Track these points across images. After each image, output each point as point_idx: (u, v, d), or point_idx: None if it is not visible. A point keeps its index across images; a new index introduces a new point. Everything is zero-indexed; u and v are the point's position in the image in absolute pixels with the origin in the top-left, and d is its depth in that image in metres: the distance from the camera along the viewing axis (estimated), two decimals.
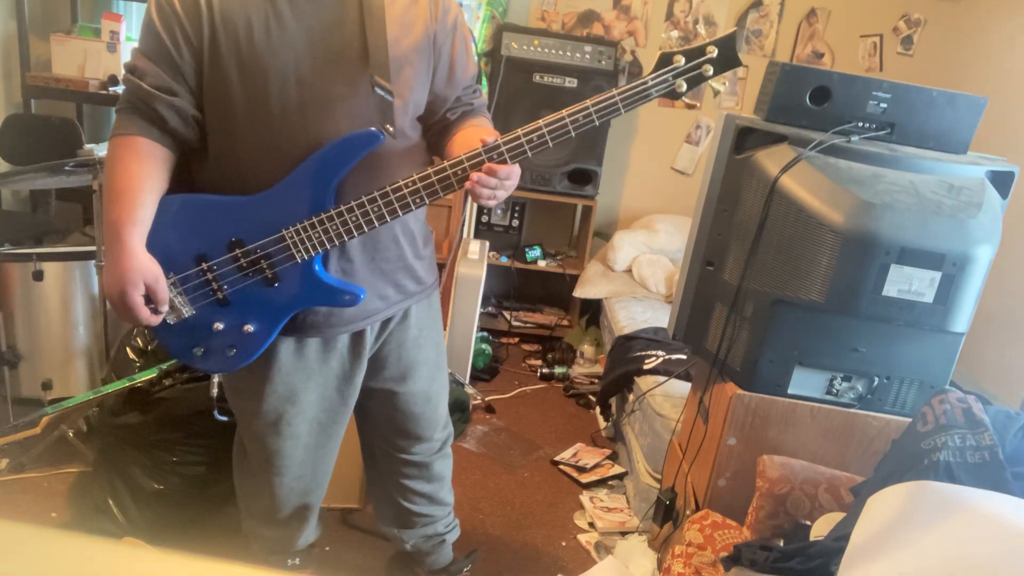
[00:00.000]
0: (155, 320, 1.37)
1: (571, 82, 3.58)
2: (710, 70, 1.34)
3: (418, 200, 1.36)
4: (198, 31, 1.32)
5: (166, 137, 1.37)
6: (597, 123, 1.35)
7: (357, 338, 1.56)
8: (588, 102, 1.33)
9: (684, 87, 1.34)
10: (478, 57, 3.51)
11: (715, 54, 1.33)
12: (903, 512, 1.31)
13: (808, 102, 1.79)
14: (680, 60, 1.33)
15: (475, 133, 1.43)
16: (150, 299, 1.35)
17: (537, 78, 3.57)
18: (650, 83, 1.34)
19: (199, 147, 1.42)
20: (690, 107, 1.41)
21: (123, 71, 1.37)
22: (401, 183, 1.35)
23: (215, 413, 1.71)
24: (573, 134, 1.35)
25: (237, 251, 1.39)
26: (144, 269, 1.32)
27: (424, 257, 1.61)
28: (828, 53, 3.92)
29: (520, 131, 1.33)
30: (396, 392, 1.67)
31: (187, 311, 1.41)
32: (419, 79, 1.45)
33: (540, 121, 1.33)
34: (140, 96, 1.34)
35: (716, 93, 1.39)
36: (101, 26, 3.53)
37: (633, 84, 1.34)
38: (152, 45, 1.33)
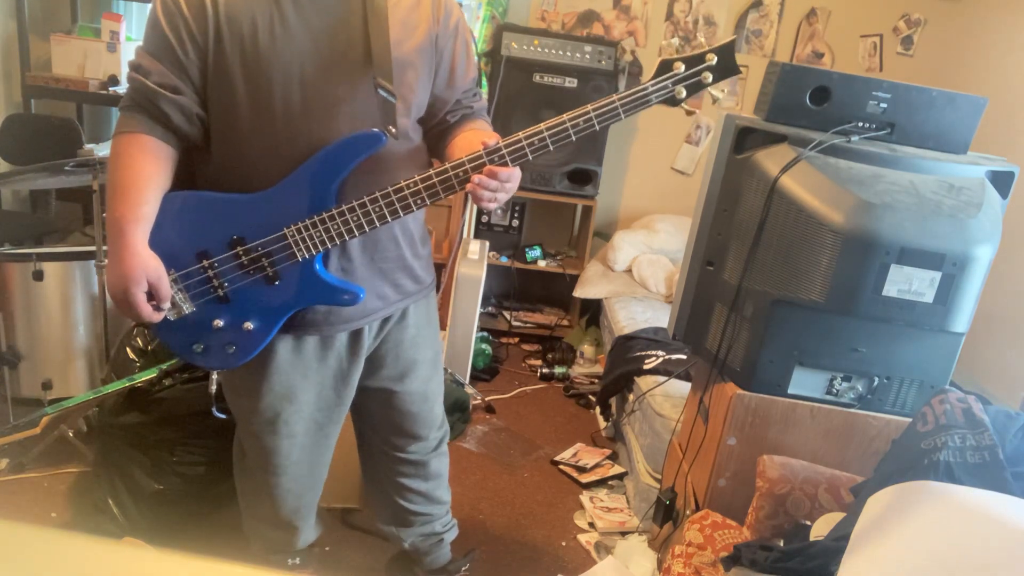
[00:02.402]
0: (157, 317, 1.38)
1: (571, 82, 3.58)
2: (709, 77, 1.36)
3: (419, 201, 1.37)
4: (203, 30, 1.32)
5: (170, 135, 1.37)
6: (597, 128, 1.36)
7: (355, 337, 1.56)
8: (589, 107, 1.34)
9: (683, 94, 1.37)
10: (478, 57, 3.51)
11: (714, 61, 1.34)
12: (903, 512, 1.31)
13: (808, 102, 1.79)
14: (680, 67, 1.35)
15: (476, 136, 1.44)
16: (152, 296, 1.35)
17: (537, 78, 3.57)
18: (650, 89, 1.35)
19: (202, 145, 1.42)
20: (689, 113, 1.42)
21: (126, 69, 1.37)
22: (402, 184, 1.36)
23: (213, 410, 1.72)
24: (574, 138, 1.36)
25: (238, 249, 1.39)
26: (147, 267, 1.33)
27: (422, 257, 1.61)
28: (828, 53, 3.92)
29: (521, 134, 1.34)
30: (394, 391, 1.68)
31: (187, 308, 1.42)
32: (421, 81, 1.46)
33: (541, 124, 1.34)
34: (144, 94, 1.34)
35: (715, 100, 1.40)
36: (101, 26, 3.53)
37: (633, 90, 1.35)
38: (157, 43, 1.34)
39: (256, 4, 1.32)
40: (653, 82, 1.35)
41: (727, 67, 1.36)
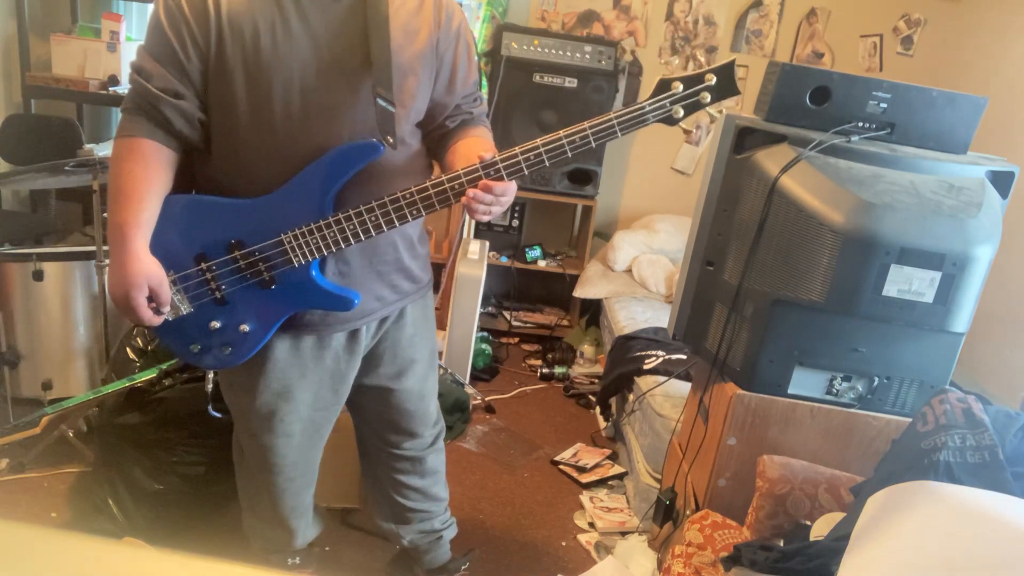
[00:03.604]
0: (157, 320, 1.39)
1: (571, 82, 3.58)
2: (707, 98, 1.36)
3: (415, 212, 1.38)
4: (206, 34, 1.32)
5: (171, 139, 1.38)
6: (594, 145, 1.37)
7: (353, 336, 1.56)
8: (586, 124, 1.35)
9: (681, 113, 1.37)
10: (478, 57, 3.51)
11: (713, 82, 1.34)
12: (903, 512, 1.31)
13: (808, 102, 1.79)
14: (678, 87, 1.35)
15: (474, 148, 1.44)
16: (152, 300, 1.36)
17: (537, 78, 3.57)
18: (647, 108, 1.36)
19: (202, 148, 1.42)
20: (687, 132, 1.43)
21: (128, 71, 1.37)
22: (399, 195, 1.37)
23: (209, 409, 1.72)
24: (570, 155, 1.36)
25: (236, 253, 1.40)
26: (148, 272, 1.34)
27: (419, 257, 1.62)
28: (828, 53, 3.92)
29: (518, 149, 1.35)
30: (391, 389, 1.68)
31: (185, 309, 1.42)
32: (421, 87, 1.46)
33: (538, 140, 1.35)
34: (146, 98, 1.34)
35: (712, 120, 1.40)
36: (101, 26, 3.53)
37: (630, 108, 1.36)
38: (159, 47, 1.33)
39: (258, 8, 1.32)
40: (650, 101, 1.36)
41: (726, 88, 1.36)
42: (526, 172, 1.36)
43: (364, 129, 1.38)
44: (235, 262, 1.40)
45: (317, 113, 1.36)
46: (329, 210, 1.38)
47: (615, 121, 1.35)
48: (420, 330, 1.68)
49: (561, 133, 1.35)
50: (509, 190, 1.36)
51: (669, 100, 1.36)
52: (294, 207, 1.38)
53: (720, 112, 1.40)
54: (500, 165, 1.34)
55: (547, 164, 1.36)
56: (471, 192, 1.33)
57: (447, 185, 1.36)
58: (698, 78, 1.35)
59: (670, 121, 1.38)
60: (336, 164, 1.36)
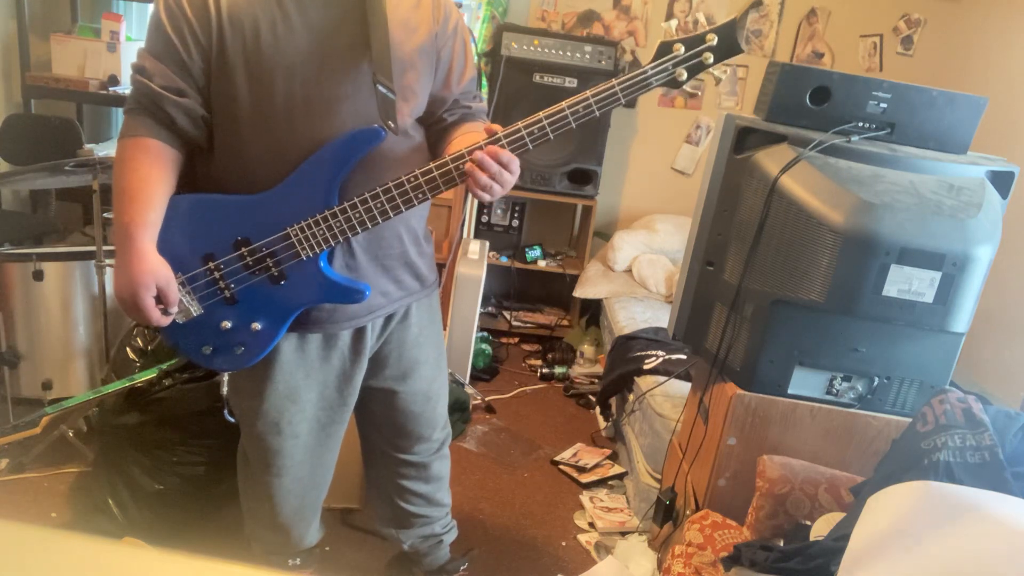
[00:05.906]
0: (165, 321, 1.38)
1: (571, 82, 3.58)
2: (710, 58, 1.33)
3: (420, 195, 1.37)
4: (207, 31, 1.32)
5: (175, 138, 1.37)
6: (597, 113, 1.34)
7: (358, 336, 1.56)
8: (588, 92, 1.33)
9: (684, 76, 1.34)
10: (478, 57, 3.51)
11: (715, 42, 1.33)
12: (903, 512, 1.31)
13: (808, 102, 1.79)
14: (680, 49, 1.32)
15: (475, 136, 1.44)
16: (160, 300, 1.36)
17: (537, 78, 3.57)
18: (650, 72, 1.33)
19: (204, 146, 1.42)
20: (691, 95, 1.41)
21: (127, 69, 1.37)
22: (403, 178, 1.36)
23: (225, 413, 1.71)
24: (574, 125, 1.34)
25: (243, 250, 1.39)
26: (156, 272, 1.33)
27: (425, 255, 1.62)
28: (828, 53, 3.92)
29: (521, 124, 1.34)
30: (397, 391, 1.68)
31: (195, 310, 1.42)
32: (422, 81, 1.47)
33: (541, 113, 1.33)
34: (149, 96, 1.34)
35: (717, 81, 1.38)
36: (101, 26, 3.53)
37: (633, 73, 1.33)
38: (160, 45, 1.33)
39: (259, 4, 1.33)
40: (653, 65, 1.33)
41: (728, 47, 1.33)
42: (530, 146, 1.34)
43: (366, 121, 1.37)
44: (242, 259, 1.40)
45: (319, 107, 1.36)
46: (334, 200, 1.37)
47: (618, 87, 1.32)
48: (425, 331, 1.68)
49: (564, 104, 1.33)
50: (513, 164, 1.35)
51: (672, 62, 1.33)
52: (298, 200, 1.37)
53: (725, 72, 1.38)
54: (504, 140, 1.33)
55: (551, 136, 1.34)
56: (477, 155, 1.31)
57: (451, 165, 1.35)
58: (699, 39, 1.32)
59: (674, 84, 1.34)
60: (339, 152, 1.36)
